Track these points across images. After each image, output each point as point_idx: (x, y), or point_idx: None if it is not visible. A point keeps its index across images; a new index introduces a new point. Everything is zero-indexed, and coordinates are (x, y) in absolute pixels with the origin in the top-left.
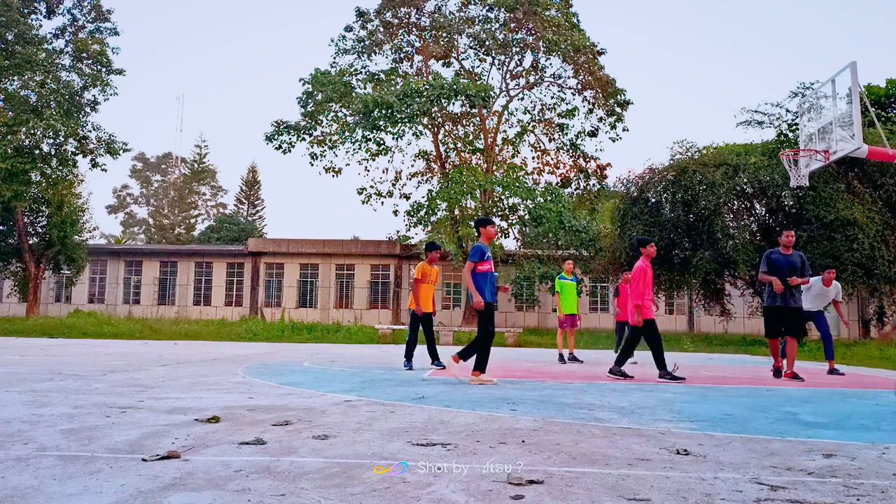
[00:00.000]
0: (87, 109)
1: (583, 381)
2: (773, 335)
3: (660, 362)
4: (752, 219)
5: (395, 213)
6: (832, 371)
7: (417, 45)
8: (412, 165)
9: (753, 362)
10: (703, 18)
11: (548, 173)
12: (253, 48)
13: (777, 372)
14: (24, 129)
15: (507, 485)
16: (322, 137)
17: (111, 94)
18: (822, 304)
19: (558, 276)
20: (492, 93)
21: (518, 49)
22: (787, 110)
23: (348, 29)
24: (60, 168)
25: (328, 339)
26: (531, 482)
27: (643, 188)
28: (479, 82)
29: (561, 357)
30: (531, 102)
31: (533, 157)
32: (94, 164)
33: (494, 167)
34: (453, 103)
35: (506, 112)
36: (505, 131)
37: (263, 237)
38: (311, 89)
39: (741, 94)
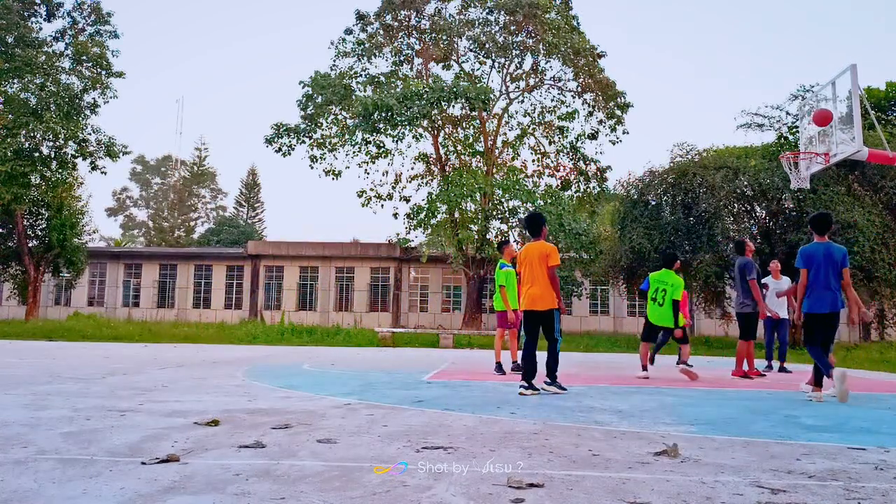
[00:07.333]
0: (87, 112)
1: (583, 383)
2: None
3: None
4: (752, 221)
5: (395, 215)
6: (782, 370)
7: (417, 47)
8: (412, 168)
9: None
10: (703, 21)
11: (548, 176)
12: (253, 51)
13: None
14: (23, 131)
15: (507, 488)
16: (322, 140)
17: (111, 97)
18: (782, 303)
19: (498, 265)
20: (492, 95)
21: (518, 52)
22: (788, 113)
23: (348, 32)
24: (60, 171)
25: (328, 341)
26: (531, 485)
27: (643, 191)
28: (479, 85)
29: (499, 366)
30: (531, 105)
31: (533, 160)
32: (94, 167)
33: (494, 170)
34: (453, 106)
35: (506, 115)
36: (505, 134)
37: (263, 240)
38: (310, 92)
39: (741, 96)
